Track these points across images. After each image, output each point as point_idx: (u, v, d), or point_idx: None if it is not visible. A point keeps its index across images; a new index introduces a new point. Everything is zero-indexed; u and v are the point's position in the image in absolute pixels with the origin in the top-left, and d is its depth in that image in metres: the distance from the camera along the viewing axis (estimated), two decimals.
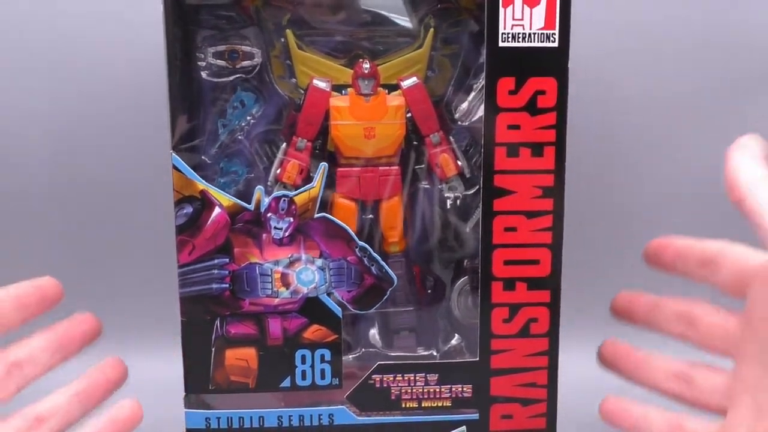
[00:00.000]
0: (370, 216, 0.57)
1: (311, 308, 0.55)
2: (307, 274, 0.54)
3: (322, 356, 0.55)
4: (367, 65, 0.55)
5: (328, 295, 0.55)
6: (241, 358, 0.55)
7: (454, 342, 0.60)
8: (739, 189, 0.45)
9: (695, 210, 0.78)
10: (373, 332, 0.60)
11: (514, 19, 0.51)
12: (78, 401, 0.50)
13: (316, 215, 0.54)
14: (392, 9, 0.56)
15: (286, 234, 0.54)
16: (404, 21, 0.56)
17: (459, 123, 0.57)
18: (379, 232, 0.57)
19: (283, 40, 0.55)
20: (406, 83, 0.56)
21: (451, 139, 0.57)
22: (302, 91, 0.55)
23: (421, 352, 0.60)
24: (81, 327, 0.52)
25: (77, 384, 0.51)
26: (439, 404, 0.56)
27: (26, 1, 0.72)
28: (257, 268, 0.54)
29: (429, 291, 0.60)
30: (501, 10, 0.51)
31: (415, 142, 0.57)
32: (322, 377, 0.55)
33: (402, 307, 0.59)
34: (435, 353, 0.60)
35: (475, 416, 0.56)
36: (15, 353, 0.48)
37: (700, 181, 0.78)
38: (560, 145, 0.53)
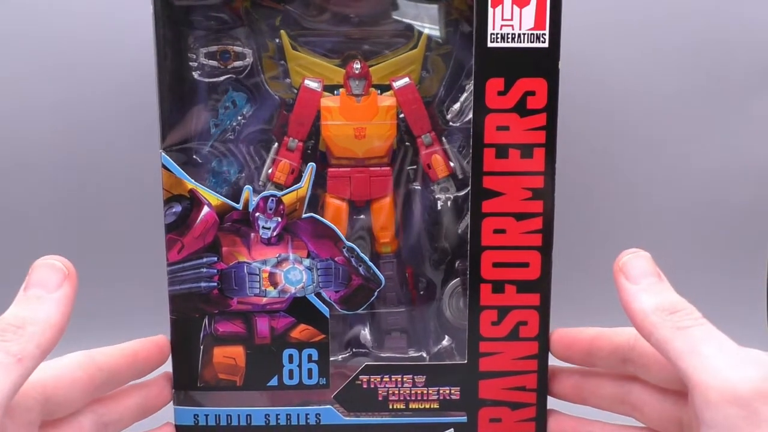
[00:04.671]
0: (362, 216, 0.57)
1: (299, 308, 0.55)
2: (295, 274, 0.55)
3: (310, 356, 0.55)
4: (358, 65, 0.55)
5: (316, 295, 0.55)
6: (229, 356, 0.55)
7: (444, 343, 0.60)
8: (645, 326, 0.45)
9: (687, 211, 0.77)
10: (363, 332, 0.60)
11: (503, 19, 0.51)
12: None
13: (304, 215, 0.54)
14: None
15: (274, 234, 0.54)
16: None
17: (451, 124, 0.57)
18: (371, 232, 0.57)
19: (277, 40, 0.56)
20: (398, 84, 0.55)
21: (444, 139, 0.57)
22: (296, 91, 0.56)
23: (413, 353, 0.60)
24: (165, 392, 0.55)
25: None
26: (427, 406, 0.56)
27: (16, 2, 0.73)
28: (245, 267, 0.54)
29: (421, 293, 0.60)
30: (490, 10, 0.51)
31: (407, 143, 0.57)
32: (310, 377, 0.55)
33: (393, 308, 0.59)
34: (425, 355, 0.60)
35: (464, 419, 0.56)
36: (109, 416, 0.51)
37: (692, 182, 0.77)
38: (550, 146, 0.52)
